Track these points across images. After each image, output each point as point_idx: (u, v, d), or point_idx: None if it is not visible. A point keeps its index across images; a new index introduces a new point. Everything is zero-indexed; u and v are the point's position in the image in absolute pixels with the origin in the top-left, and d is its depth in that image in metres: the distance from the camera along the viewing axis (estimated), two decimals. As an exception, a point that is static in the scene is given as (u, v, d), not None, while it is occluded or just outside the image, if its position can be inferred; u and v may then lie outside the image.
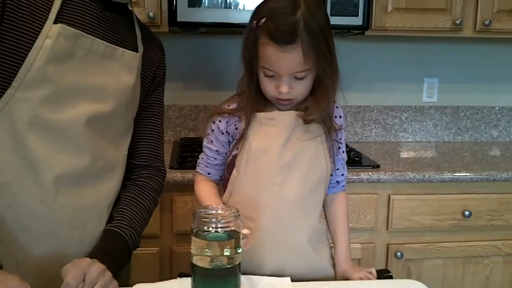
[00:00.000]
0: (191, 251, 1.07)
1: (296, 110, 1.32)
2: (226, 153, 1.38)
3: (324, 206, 1.43)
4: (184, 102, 2.62)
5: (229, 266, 1.07)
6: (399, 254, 2.19)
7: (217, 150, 1.39)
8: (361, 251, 2.19)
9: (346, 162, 2.18)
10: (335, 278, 1.36)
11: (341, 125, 1.39)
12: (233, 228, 1.07)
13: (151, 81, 1.40)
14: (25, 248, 1.18)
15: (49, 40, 1.13)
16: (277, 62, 1.22)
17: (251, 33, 1.25)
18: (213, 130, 1.38)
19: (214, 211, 1.10)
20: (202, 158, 1.43)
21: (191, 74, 2.61)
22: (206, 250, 1.06)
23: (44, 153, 1.15)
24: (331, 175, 1.40)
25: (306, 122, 1.31)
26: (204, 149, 1.42)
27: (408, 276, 2.22)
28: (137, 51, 1.31)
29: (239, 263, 1.09)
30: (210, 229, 1.06)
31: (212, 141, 1.39)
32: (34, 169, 1.15)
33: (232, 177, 1.35)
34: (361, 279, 1.31)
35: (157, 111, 1.44)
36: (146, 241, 2.03)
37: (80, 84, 1.19)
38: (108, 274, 1.12)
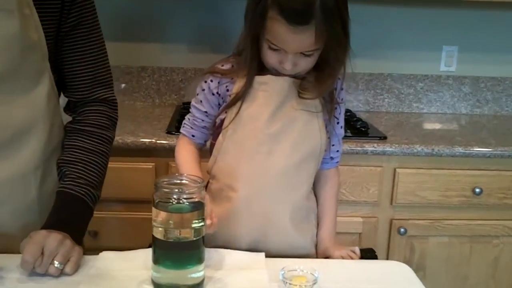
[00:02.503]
0: (152, 222, 1.00)
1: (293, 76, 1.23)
2: (214, 116, 1.30)
3: (315, 181, 1.34)
4: (189, 65, 2.53)
5: (191, 240, 1.00)
6: (402, 230, 2.10)
7: (205, 111, 1.30)
8: (362, 225, 2.11)
9: (352, 132, 2.12)
10: (316, 257, 1.29)
11: (342, 99, 1.30)
12: (196, 200, 1.00)
13: (61, 2, 1.17)
14: None
15: None
16: (286, 41, 1.13)
17: (260, 2, 1.14)
18: (203, 90, 1.29)
19: (177, 181, 1.02)
20: (189, 119, 1.34)
21: (197, 36, 2.51)
22: (167, 222, 0.99)
23: None
24: (325, 150, 1.31)
25: (301, 97, 1.22)
26: (192, 110, 1.33)
27: (412, 253, 2.14)
28: None
29: (203, 237, 1.02)
30: (172, 200, 0.98)
31: (201, 101, 1.30)
32: None
33: (217, 142, 1.27)
34: (342, 257, 1.23)
35: (84, 30, 1.22)
36: (138, 206, 2.01)
37: None
38: (67, 243, 1.06)
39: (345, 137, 2.05)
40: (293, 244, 1.24)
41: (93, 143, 1.25)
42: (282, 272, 1.03)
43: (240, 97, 1.23)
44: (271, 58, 1.18)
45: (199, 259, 1.02)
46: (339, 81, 1.28)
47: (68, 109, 1.30)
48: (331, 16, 1.10)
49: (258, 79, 1.23)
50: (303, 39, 1.12)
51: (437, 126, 2.45)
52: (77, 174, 1.21)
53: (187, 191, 0.99)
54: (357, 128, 2.17)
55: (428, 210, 2.11)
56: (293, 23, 1.09)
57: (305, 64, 1.18)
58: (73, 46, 1.22)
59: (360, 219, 2.11)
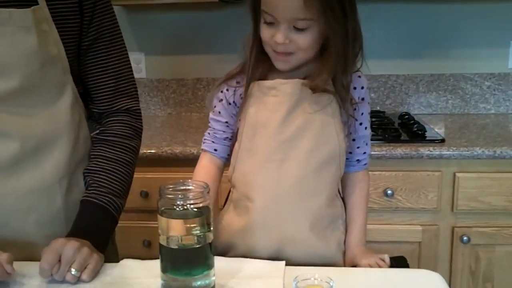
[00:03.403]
0: (158, 230, 0.98)
1: (303, 78, 1.18)
2: (234, 126, 1.26)
3: (342, 185, 1.28)
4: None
5: (197, 246, 0.97)
6: (465, 238, 1.96)
7: (226, 122, 1.27)
8: (421, 234, 1.99)
9: (408, 136, 2.02)
10: (344, 265, 1.22)
11: (362, 98, 1.22)
12: (201, 205, 0.97)
13: (80, 13, 1.19)
14: None
15: None
16: (275, 4, 1.09)
17: None
18: (221, 100, 1.26)
19: (182, 187, 1.00)
20: (209, 133, 1.30)
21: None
22: (172, 229, 0.97)
23: None
24: (350, 152, 1.25)
25: (313, 90, 1.16)
26: (211, 123, 1.30)
27: (477, 263, 1.99)
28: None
29: (210, 243, 0.99)
30: (176, 206, 0.96)
31: (219, 112, 1.27)
32: None
33: (234, 150, 1.24)
34: (370, 266, 1.15)
35: (105, 42, 1.24)
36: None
37: None
38: (85, 250, 1.06)
39: (400, 141, 1.98)
40: (316, 254, 1.18)
41: (116, 152, 1.25)
42: (296, 282, 0.97)
43: (244, 101, 1.19)
44: (266, 33, 1.13)
45: (206, 266, 0.98)
46: (358, 79, 1.21)
47: (94, 120, 1.32)
48: None
49: (267, 84, 1.19)
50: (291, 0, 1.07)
51: (504, 127, 2.28)
52: (100, 183, 1.22)
53: (190, 197, 0.97)
54: (413, 131, 2.07)
55: (493, 217, 1.97)
56: None
57: (300, 41, 1.11)
58: (95, 59, 1.25)
59: (419, 227, 2.00)
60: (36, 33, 1.11)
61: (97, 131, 1.31)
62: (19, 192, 1.15)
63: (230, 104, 1.25)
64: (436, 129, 2.16)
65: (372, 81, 2.49)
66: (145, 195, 2.03)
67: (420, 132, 2.05)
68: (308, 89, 1.16)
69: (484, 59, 2.47)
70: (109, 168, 1.24)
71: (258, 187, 1.18)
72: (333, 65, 1.14)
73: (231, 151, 1.28)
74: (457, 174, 1.94)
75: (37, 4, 1.12)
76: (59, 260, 1.04)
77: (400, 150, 1.93)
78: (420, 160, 1.94)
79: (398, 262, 1.16)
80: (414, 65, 2.49)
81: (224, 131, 1.28)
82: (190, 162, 1.97)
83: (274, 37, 1.11)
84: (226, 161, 1.31)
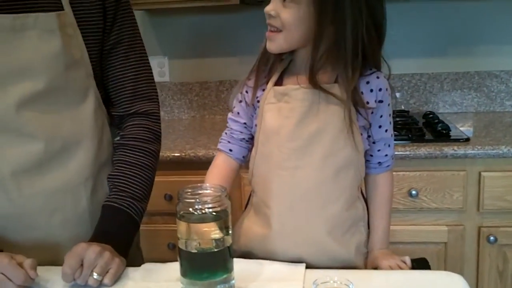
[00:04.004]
0: (177, 234, 0.99)
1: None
2: (252, 128, 1.27)
3: (365, 186, 1.27)
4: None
5: (216, 250, 0.98)
6: (492, 238, 1.93)
7: (244, 123, 1.28)
8: (447, 234, 1.97)
9: (433, 135, 2.00)
10: (365, 267, 1.21)
11: (380, 100, 1.19)
12: (219, 209, 0.98)
13: (103, 17, 1.23)
14: (10, 246, 1.17)
15: None
16: None
17: None
18: (240, 101, 1.27)
19: (200, 191, 1.01)
20: (226, 133, 1.32)
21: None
22: (191, 233, 0.98)
23: None
24: (371, 155, 1.24)
25: (314, 86, 1.13)
26: (229, 123, 1.31)
27: (505, 264, 1.96)
28: (60, 3, 1.16)
29: (229, 246, 0.99)
30: (194, 210, 0.97)
31: (238, 113, 1.28)
32: None
33: (251, 155, 1.25)
34: (391, 268, 1.15)
35: (125, 47, 1.27)
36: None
37: None
38: (106, 254, 1.08)
39: (424, 140, 1.96)
40: (336, 259, 1.17)
41: (135, 156, 1.27)
42: (315, 285, 0.97)
43: (262, 109, 1.20)
44: (264, 8, 1.14)
45: (225, 270, 0.99)
46: (376, 80, 1.18)
47: (115, 125, 1.34)
48: None
49: (280, 90, 1.18)
50: None
51: (532, 124, 2.25)
52: (120, 187, 1.23)
53: (208, 201, 0.98)
54: (437, 130, 2.05)
55: (521, 216, 1.94)
56: None
57: (286, 15, 1.11)
58: (114, 63, 1.27)
59: (445, 228, 1.98)
60: (61, 37, 1.15)
61: (118, 137, 1.33)
62: (45, 192, 1.17)
63: (248, 105, 1.25)
64: (461, 128, 2.14)
65: (396, 80, 2.47)
66: (169, 198, 2.05)
67: (444, 131, 2.03)
68: (320, 94, 1.14)
69: (510, 56, 2.43)
70: (129, 173, 1.25)
71: (273, 194, 1.18)
72: (318, 49, 1.12)
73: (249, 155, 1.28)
74: (483, 173, 1.91)
75: (63, 9, 1.16)
76: (81, 265, 1.06)
77: (424, 149, 1.91)
78: (444, 159, 1.92)
79: (420, 263, 1.15)
80: (438, 63, 2.46)
81: (241, 132, 1.29)
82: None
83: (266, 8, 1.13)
84: (242, 163, 1.31)
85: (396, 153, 1.88)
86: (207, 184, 1.03)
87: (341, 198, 1.17)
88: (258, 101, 1.23)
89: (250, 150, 1.29)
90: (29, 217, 1.17)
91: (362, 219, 1.23)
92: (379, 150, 1.24)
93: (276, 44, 1.15)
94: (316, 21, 1.10)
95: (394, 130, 2.01)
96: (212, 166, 1.31)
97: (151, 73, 1.33)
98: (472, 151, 1.89)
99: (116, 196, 1.22)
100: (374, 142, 1.22)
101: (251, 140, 1.28)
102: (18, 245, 1.18)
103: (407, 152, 1.92)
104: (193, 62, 2.64)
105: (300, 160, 1.16)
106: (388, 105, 1.21)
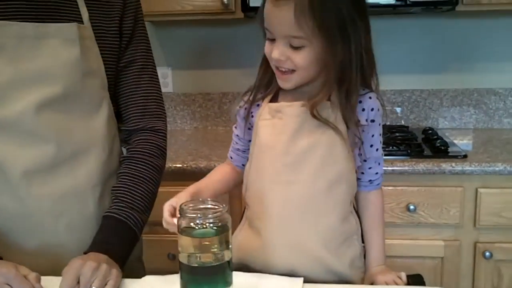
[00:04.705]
0: (178, 247, 1.02)
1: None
2: (249, 141, 1.29)
3: (356, 203, 1.30)
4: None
5: (216, 264, 1.01)
6: (487, 254, 1.96)
7: (237, 135, 1.32)
8: (444, 249, 2.00)
9: (432, 151, 2.03)
10: (362, 281, 1.24)
11: (372, 120, 1.20)
12: (220, 224, 1.00)
13: (119, 37, 1.31)
14: (15, 247, 1.20)
15: None
16: (270, 19, 1.11)
17: None
18: (236, 115, 1.31)
19: (201, 206, 1.04)
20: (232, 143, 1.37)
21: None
22: (191, 247, 1.01)
23: (4, 152, 1.16)
24: (362, 173, 1.26)
25: (311, 114, 1.15)
26: (233, 131, 1.36)
27: (500, 279, 1.99)
28: (80, 18, 1.23)
29: (229, 260, 1.02)
30: (196, 225, 1.00)
31: (238, 124, 1.32)
32: (0, 170, 1.17)
33: (245, 169, 1.28)
34: (386, 283, 1.17)
35: (138, 66, 1.35)
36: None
37: (19, 74, 1.16)
38: (103, 267, 1.09)
39: (423, 156, 1.99)
40: (331, 271, 1.20)
41: (139, 169, 1.30)
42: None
43: (257, 125, 1.22)
44: (267, 49, 1.15)
45: (225, 283, 1.02)
46: (368, 100, 1.19)
47: (123, 141, 1.39)
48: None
49: (274, 106, 1.21)
50: (284, 16, 1.07)
51: (530, 142, 2.28)
52: (121, 198, 1.26)
53: (209, 216, 1.00)
54: (436, 147, 2.08)
55: (516, 233, 1.96)
56: None
57: (297, 59, 1.11)
58: (127, 80, 1.34)
59: (442, 243, 2.00)
60: (80, 46, 1.21)
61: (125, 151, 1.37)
62: (54, 195, 1.20)
63: (242, 121, 1.29)
64: (460, 144, 2.17)
65: (396, 95, 2.51)
66: (170, 208, 2.07)
67: (443, 148, 2.06)
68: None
69: (509, 74, 2.47)
70: (131, 184, 1.28)
71: (267, 208, 1.20)
72: (328, 88, 1.14)
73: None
74: (480, 190, 1.94)
75: (83, 23, 1.23)
76: (79, 282, 1.07)
77: (422, 165, 1.94)
78: (442, 175, 1.94)
79: (415, 279, 1.18)
80: (438, 79, 2.50)
81: (237, 142, 1.33)
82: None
83: (272, 53, 1.13)
84: (242, 169, 1.33)
85: (395, 168, 1.93)
86: (208, 199, 1.05)
87: (335, 212, 1.20)
88: (253, 116, 1.26)
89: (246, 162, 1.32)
90: (35, 219, 1.20)
91: (355, 232, 1.25)
92: (370, 168, 1.25)
93: (291, 83, 1.16)
94: (330, 52, 1.10)
95: (394, 145, 2.08)
96: (216, 168, 1.38)
97: (161, 92, 1.40)
98: (470, 168, 1.92)
99: (116, 207, 1.25)
100: (365, 160, 1.24)
101: (247, 151, 1.32)
102: (23, 247, 1.21)
103: (406, 168, 1.95)
104: (197, 73, 2.68)
105: (293, 175, 1.18)
106: (379, 124, 1.23)
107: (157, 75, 1.40)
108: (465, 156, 1.98)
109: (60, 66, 1.20)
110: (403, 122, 2.55)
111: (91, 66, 1.25)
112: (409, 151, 2.05)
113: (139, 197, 1.28)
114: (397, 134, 2.29)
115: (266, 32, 1.14)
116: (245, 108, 1.27)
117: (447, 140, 2.16)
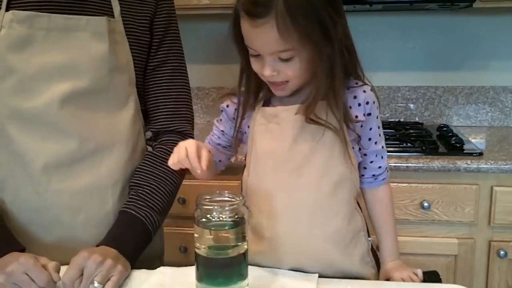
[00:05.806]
0: (194, 240, 1.02)
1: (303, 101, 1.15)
2: (231, 137, 1.27)
3: (365, 202, 1.28)
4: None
5: (232, 256, 1.00)
6: (502, 252, 1.95)
7: (222, 131, 1.29)
8: (457, 247, 1.98)
9: (447, 148, 2.01)
10: (377, 277, 1.23)
11: (369, 113, 1.17)
12: (236, 216, 1.00)
13: (150, 34, 1.29)
14: (33, 240, 1.20)
15: (3, 30, 1.12)
16: (251, 39, 1.07)
17: (235, 7, 1.10)
18: (222, 111, 1.27)
19: (218, 198, 1.03)
20: (209, 136, 1.33)
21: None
22: (208, 238, 1.00)
23: (27, 144, 1.16)
24: (365, 168, 1.23)
25: (306, 118, 1.12)
26: (213, 126, 1.31)
27: (514, 278, 1.98)
28: (112, 12, 1.22)
29: (245, 252, 1.02)
30: (212, 217, 1.00)
31: (221, 119, 1.29)
32: (22, 162, 1.17)
33: (243, 178, 1.24)
34: (403, 279, 1.16)
35: (170, 67, 1.33)
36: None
37: (47, 66, 1.15)
38: (108, 262, 1.08)
39: (438, 153, 1.98)
40: (342, 271, 1.18)
41: (163, 169, 1.29)
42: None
43: (252, 132, 1.20)
44: (255, 66, 1.12)
45: (240, 276, 1.02)
46: (363, 93, 1.16)
47: (149, 139, 1.38)
48: (299, 8, 1.01)
49: (269, 111, 1.18)
50: (266, 34, 1.03)
51: (546, 140, 2.25)
52: (142, 197, 1.25)
53: (226, 208, 1.00)
54: (451, 144, 2.06)
55: (532, 232, 1.95)
56: (252, 16, 1.04)
57: (289, 71, 1.08)
58: (159, 82, 1.33)
59: (456, 241, 1.99)
60: (109, 41, 1.20)
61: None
62: (73, 190, 1.20)
63: (229, 119, 1.26)
64: (475, 142, 2.15)
65: (411, 92, 2.49)
66: (182, 201, 2.07)
67: (458, 145, 2.04)
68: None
69: (525, 71, 2.44)
70: (154, 184, 1.27)
71: (272, 216, 1.17)
72: (320, 90, 1.11)
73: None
74: (495, 188, 1.93)
75: (114, 17, 1.22)
76: (82, 274, 1.06)
77: (437, 162, 1.93)
78: (457, 173, 1.93)
79: (431, 276, 1.17)
80: (454, 77, 2.48)
81: (219, 137, 1.30)
82: (227, 170, 2.01)
83: (262, 70, 1.10)
84: (217, 166, 1.32)
85: (409, 165, 1.92)
86: (225, 191, 1.05)
87: (340, 213, 1.17)
88: (248, 126, 1.22)
89: (225, 158, 1.32)
90: (54, 213, 1.20)
91: (362, 229, 1.23)
92: (371, 162, 1.23)
93: (287, 91, 1.14)
94: (317, 56, 1.08)
95: (408, 142, 2.07)
96: None
97: (191, 95, 1.39)
98: (485, 166, 1.90)
99: (135, 204, 1.24)
100: (365, 154, 1.22)
101: (227, 147, 1.30)
102: (41, 240, 1.21)
103: (421, 164, 1.94)
104: (210, 67, 2.67)
105: (296, 181, 1.15)
106: (377, 117, 1.20)
107: (188, 78, 1.38)
108: (480, 154, 1.96)
109: (87, 59, 1.18)
110: (417, 119, 2.53)
111: (119, 62, 1.23)
112: (423, 148, 2.03)
113: (159, 198, 1.27)
114: (412, 131, 2.28)
115: (250, 49, 1.10)
116: (235, 109, 1.23)
117: (462, 137, 2.14)
